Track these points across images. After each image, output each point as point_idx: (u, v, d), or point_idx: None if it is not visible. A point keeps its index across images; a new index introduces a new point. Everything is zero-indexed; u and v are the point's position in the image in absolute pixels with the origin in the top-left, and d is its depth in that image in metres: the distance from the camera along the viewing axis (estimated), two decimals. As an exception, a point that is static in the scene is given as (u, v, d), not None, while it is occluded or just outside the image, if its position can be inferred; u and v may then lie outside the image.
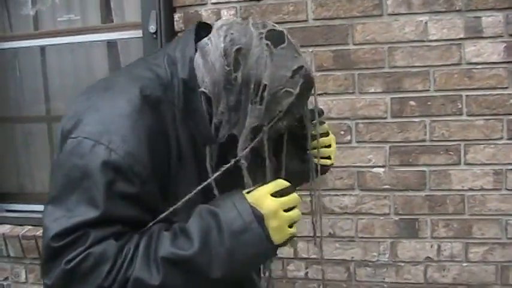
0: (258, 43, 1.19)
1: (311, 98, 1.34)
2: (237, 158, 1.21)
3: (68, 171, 1.15)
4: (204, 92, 1.21)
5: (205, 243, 1.11)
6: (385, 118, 2.67)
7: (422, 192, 2.67)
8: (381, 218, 2.72)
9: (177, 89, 1.24)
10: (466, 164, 2.62)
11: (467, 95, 2.58)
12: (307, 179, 1.46)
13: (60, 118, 1.28)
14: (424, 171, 2.66)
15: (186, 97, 1.23)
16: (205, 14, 2.77)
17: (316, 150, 1.45)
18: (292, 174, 1.38)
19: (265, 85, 1.17)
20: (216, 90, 1.20)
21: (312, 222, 1.50)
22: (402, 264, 2.72)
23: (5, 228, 3.24)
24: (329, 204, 2.75)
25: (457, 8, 2.55)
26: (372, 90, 2.66)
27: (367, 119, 2.68)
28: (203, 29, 1.29)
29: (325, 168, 1.51)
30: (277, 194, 1.18)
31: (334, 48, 2.68)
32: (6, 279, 3.26)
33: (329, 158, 1.53)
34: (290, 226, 1.19)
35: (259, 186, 1.19)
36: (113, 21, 3.26)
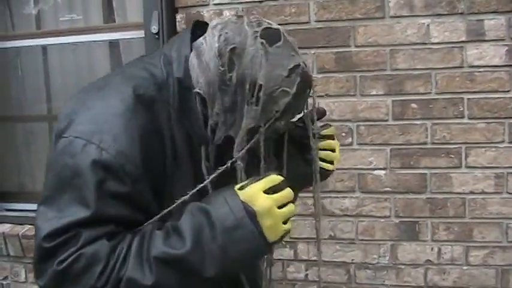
0: (252, 42, 1.16)
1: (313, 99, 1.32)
2: (232, 160, 1.19)
3: (59, 171, 1.14)
4: (198, 93, 1.19)
5: (198, 241, 1.10)
6: (386, 120, 2.66)
7: (423, 195, 2.67)
8: (382, 220, 2.72)
9: (172, 88, 1.22)
10: (467, 167, 2.62)
11: (468, 98, 2.58)
12: (311, 182, 1.42)
13: (61, 118, 1.28)
14: (425, 174, 2.65)
15: (182, 96, 1.22)
16: (207, 14, 2.77)
17: (320, 151, 1.42)
18: (296, 177, 1.36)
19: (261, 85, 1.15)
20: (211, 91, 1.17)
21: (316, 227, 1.47)
22: (402, 266, 2.72)
23: (5, 228, 3.24)
24: (329, 206, 2.74)
25: (460, 11, 2.55)
26: (374, 93, 2.66)
27: (368, 121, 2.68)
28: (200, 28, 1.27)
29: (326, 174, 1.47)
30: (270, 191, 1.15)
31: (336, 50, 2.68)
32: (5, 278, 3.25)
33: (331, 163, 1.49)
34: (285, 222, 1.17)
35: (252, 182, 1.16)
36: (115, 21, 3.26)
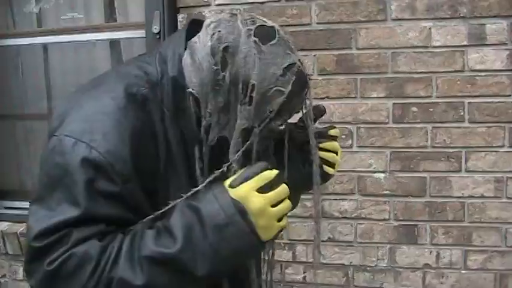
0: (246, 40, 1.14)
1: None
2: (228, 164, 1.16)
3: (49, 170, 1.14)
4: (191, 93, 1.17)
5: (189, 240, 1.08)
6: (386, 123, 2.66)
7: (423, 198, 2.66)
8: (380, 223, 2.72)
9: (167, 87, 1.20)
10: (467, 171, 2.61)
11: (469, 102, 2.58)
12: (311, 184, 1.37)
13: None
14: (425, 177, 2.65)
15: (176, 96, 1.20)
16: (209, 15, 2.77)
17: (321, 153, 1.40)
18: (298, 179, 1.35)
19: (254, 84, 1.13)
20: (204, 91, 1.15)
21: (316, 231, 1.42)
22: (401, 270, 2.72)
23: (4, 226, 3.24)
24: (328, 208, 2.74)
25: (461, 15, 2.55)
26: (374, 95, 2.66)
27: (368, 123, 2.68)
28: (198, 27, 1.24)
29: (326, 177, 1.45)
30: (264, 188, 1.12)
31: (337, 52, 2.68)
32: (3, 276, 3.25)
33: (333, 165, 1.46)
34: (280, 219, 1.15)
35: (242, 177, 1.13)
36: (116, 21, 3.26)
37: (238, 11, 1.23)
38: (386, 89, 2.64)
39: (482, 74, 2.56)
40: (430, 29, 2.58)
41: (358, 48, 2.66)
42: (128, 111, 1.15)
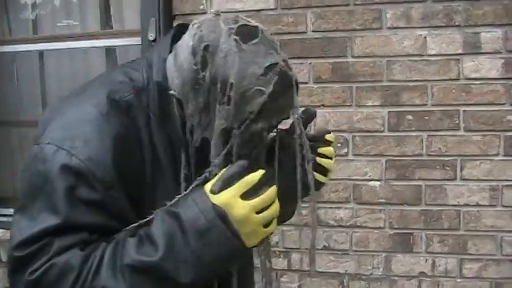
0: (226, 39, 1.11)
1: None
2: (209, 169, 1.14)
3: (31, 178, 1.12)
4: (173, 95, 1.15)
5: (170, 247, 1.06)
6: (382, 131, 2.66)
7: (418, 206, 2.66)
8: (376, 231, 2.71)
9: (152, 92, 1.18)
10: (462, 179, 2.61)
11: (464, 110, 2.58)
12: (306, 192, 1.30)
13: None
14: (420, 185, 2.65)
15: (161, 101, 1.18)
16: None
17: (318, 159, 1.35)
18: (291, 186, 1.27)
19: (232, 83, 1.09)
20: (185, 91, 1.13)
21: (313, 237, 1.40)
22: (396, 278, 2.71)
23: (-2, 233, 3.23)
24: (324, 216, 2.74)
25: (457, 23, 2.55)
26: (370, 103, 2.66)
27: (364, 132, 2.68)
28: (187, 30, 1.22)
29: (319, 185, 1.38)
30: (248, 192, 1.09)
31: (332, 60, 2.68)
32: (-2, 284, 3.24)
33: (326, 172, 1.39)
34: (267, 224, 1.12)
35: (222, 180, 1.09)
36: (112, 28, 3.26)
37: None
38: (382, 97, 2.64)
39: (478, 82, 2.56)
40: (425, 37, 2.59)
41: (353, 57, 2.66)
42: (111, 117, 1.14)
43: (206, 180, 1.13)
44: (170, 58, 1.19)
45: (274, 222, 1.15)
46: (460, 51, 2.56)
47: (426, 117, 2.61)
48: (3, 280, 3.22)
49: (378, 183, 2.68)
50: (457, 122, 2.59)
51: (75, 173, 1.07)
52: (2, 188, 3.47)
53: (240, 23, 1.14)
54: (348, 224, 2.73)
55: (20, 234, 1.07)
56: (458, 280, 2.66)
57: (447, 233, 2.65)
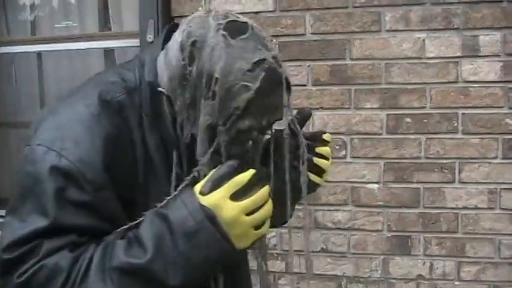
0: (214, 34, 1.09)
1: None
2: (197, 168, 1.13)
3: (21, 180, 1.11)
4: (162, 92, 1.14)
5: (159, 249, 1.05)
6: (380, 134, 2.66)
7: (416, 209, 2.66)
8: (374, 234, 2.71)
9: (145, 92, 1.18)
10: (461, 182, 2.61)
11: (463, 113, 2.58)
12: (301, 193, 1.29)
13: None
14: (418, 188, 2.65)
15: (153, 101, 1.17)
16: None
17: (315, 159, 1.32)
18: (286, 188, 1.25)
19: (217, 78, 1.07)
20: (172, 87, 1.12)
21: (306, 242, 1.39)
22: (394, 281, 2.71)
23: (-4, 234, 3.21)
24: (322, 219, 2.73)
25: (455, 26, 2.55)
26: (368, 106, 2.66)
27: (362, 134, 2.68)
28: None
29: (314, 187, 1.36)
30: (238, 193, 1.07)
31: (331, 63, 2.68)
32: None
33: (321, 175, 1.36)
34: (259, 226, 1.10)
35: (212, 181, 1.08)
36: (110, 29, 3.26)
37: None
38: (380, 100, 2.64)
39: (476, 85, 2.56)
40: (424, 40, 2.59)
41: (352, 59, 2.66)
42: (102, 118, 1.13)
43: (195, 180, 1.12)
44: (161, 56, 1.18)
45: (267, 223, 1.13)
46: (458, 54, 2.56)
47: (425, 120, 2.61)
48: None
49: (376, 185, 2.68)
50: (455, 124, 2.59)
51: (64, 174, 1.07)
52: (0, 189, 3.46)
53: (229, 19, 1.13)
54: (346, 226, 2.73)
55: (9, 236, 1.06)
56: (456, 283, 2.66)
57: (445, 236, 2.65)
